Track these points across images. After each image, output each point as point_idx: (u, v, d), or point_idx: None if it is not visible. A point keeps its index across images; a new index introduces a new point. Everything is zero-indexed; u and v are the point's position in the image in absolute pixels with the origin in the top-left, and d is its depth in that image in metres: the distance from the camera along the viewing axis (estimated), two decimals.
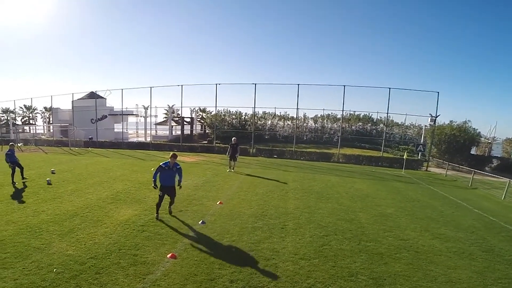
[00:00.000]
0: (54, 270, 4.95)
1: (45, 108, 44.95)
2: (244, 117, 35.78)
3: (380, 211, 9.62)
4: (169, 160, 7.62)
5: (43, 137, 34.73)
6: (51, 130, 35.81)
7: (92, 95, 33.05)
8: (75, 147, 26.45)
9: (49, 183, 11.20)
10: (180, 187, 7.94)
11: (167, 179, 7.63)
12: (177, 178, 7.82)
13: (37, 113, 48.06)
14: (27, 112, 46.18)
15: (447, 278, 5.49)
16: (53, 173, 13.03)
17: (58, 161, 17.53)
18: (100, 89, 36.77)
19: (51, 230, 6.60)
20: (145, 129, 35.84)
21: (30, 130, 41.01)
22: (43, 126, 43.78)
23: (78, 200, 9.00)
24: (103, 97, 33.40)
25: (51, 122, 38.56)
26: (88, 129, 30.29)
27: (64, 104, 35.46)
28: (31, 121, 46.83)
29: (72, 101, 31.51)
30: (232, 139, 15.94)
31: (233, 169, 15.65)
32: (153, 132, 38.42)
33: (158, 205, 7.69)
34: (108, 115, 33.80)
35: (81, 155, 21.50)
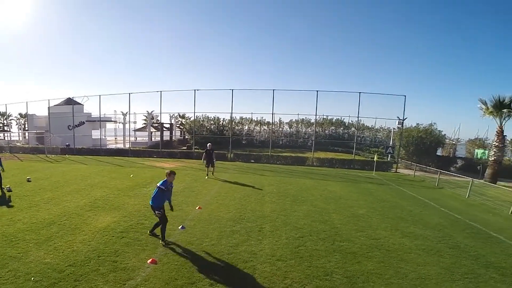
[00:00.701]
0: (32, 278, 4.91)
1: (20, 114, 43.39)
2: (222, 123, 36.04)
3: (352, 212, 9.98)
4: (167, 178, 6.70)
5: (18, 144, 33.57)
6: (27, 137, 34.67)
7: (69, 101, 32.32)
8: (51, 154, 25.79)
9: (29, 181, 12.32)
10: (172, 209, 7.21)
11: (164, 199, 6.81)
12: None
13: (12, 119, 46.25)
14: (2, 119, 44.38)
15: (417, 275, 5.72)
16: (28, 181, 12.77)
17: (34, 168, 17.10)
18: (77, 95, 36.00)
19: (27, 238, 6.52)
20: (124, 135, 35.31)
21: (4, 137, 39.47)
22: (18, 133, 42.25)
23: (55, 208, 8.87)
24: (80, 103, 32.68)
25: (26, 128, 37.35)
26: (65, 135, 29.59)
27: (40, 110, 34.54)
28: (5, 128, 45.04)
29: (49, 107, 30.72)
30: (208, 145, 15.96)
31: (212, 174, 15.70)
32: (132, 139, 37.90)
33: (164, 227, 6.69)
34: (86, 121, 33.13)
35: (58, 162, 21.00)
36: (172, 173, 6.76)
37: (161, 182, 6.65)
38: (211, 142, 16.74)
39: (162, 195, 6.61)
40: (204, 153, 15.74)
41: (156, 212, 6.49)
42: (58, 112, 31.09)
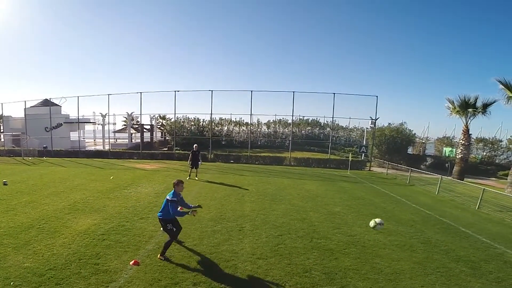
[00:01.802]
0: (11, 283, 4.83)
1: None
2: (202, 124, 36.05)
3: (329, 210, 10.28)
4: (175, 188, 6.15)
5: None
6: (2, 139, 33.44)
7: (46, 103, 31.39)
8: (28, 157, 24.98)
9: (5, 184, 12.11)
10: (200, 206, 6.64)
11: (175, 210, 6.16)
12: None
13: None
14: None
15: (392, 270, 5.93)
16: (5, 184, 12.39)
17: (10, 171, 16.57)
18: (54, 97, 34.86)
19: (5, 243, 6.38)
20: (103, 137, 34.65)
21: None
22: None
23: (34, 212, 8.70)
24: (58, 105, 31.84)
25: (2, 130, 36.01)
26: (42, 137, 28.71)
27: (16, 112, 33.31)
28: None
29: (25, 109, 29.80)
30: (194, 146, 16.05)
31: (196, 176, 15.70)
32: (112, 140, 37.24)
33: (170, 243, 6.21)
34: (64, 123, 32.32)
35: (35, 165, 20.42)
36: (180, 183, 6.20)
37: (170, 194, 6.09)
38: (192, 143, 16.85)
39: (174, 206, 6.01)
40: (190, 154, 15.81)
41: (168, 226, 5.95)
42: (35, 113, 30.25)
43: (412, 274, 5.86)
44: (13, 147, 29.48)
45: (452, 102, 22.31)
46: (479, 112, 21.29)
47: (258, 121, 38.61)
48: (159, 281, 5.13)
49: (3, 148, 28.90)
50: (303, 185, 14.99)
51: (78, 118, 29.17)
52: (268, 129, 39.71)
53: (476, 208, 12.20)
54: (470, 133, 22.27)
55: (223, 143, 36.13)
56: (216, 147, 29.88)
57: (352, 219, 9.38)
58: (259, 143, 36.97)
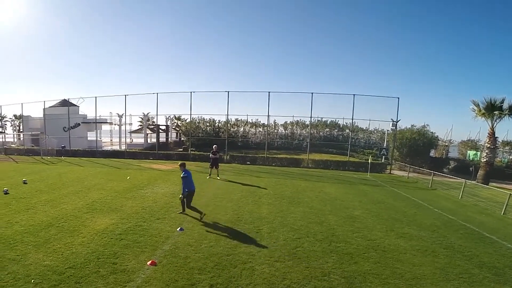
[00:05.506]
0: (32, 281, 4.90)
1: (15, 116, 43.22)
2: (218, 125, 36.22)
3: (348, 213, 10.08)
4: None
5: (13, 146, 33.35)
6: (22, 139, 34.45)
7: (65, 103, 32.20)
8: (47, 156, 25.69)
9: (25, 183, 12.58)
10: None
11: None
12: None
13: (7, 121, 45.95)
14: None
15: (413, 275, 5.81)
16: (25, 183, 12.72)
17: (30, 170, 17.02)
18: (72, 97, 35.70)
19: (26, 241, 6.51)
20: (120, 137, 35.20)
21: None
22: (13, 134, 41.93)
23: (53, 210, 8.87)
24: (76, 105, 32.55)
25: (21, 130, 37.09)
26: (60, 137, 29.46)
27: (35, 112, 34.21)
28: (0, 130, 44.71)
29: (44, 109, 30.64)
30: (213, 146, 16.29)
31: (218, 176, 16.01)
32: (128, 140, 37.79)
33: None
34: (81, 123, 33.01)
35: (53, 164, 20.91)
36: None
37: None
38: (207, 144, 17.06)
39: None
40: (211, 154, 16.16)
41: None
42: (54, 113, 31.04)
43: (433, 279, 5.74)
44: (32, 146, 30.31)
45: (477, 105, 21.55)
46: (505, 115, 20.47)
47: (274, 122, 38.48)
48: (176, 282, 5.13)
49: (23, 147, 29.77)
50: (321, 188, 14.79)
51: (96, 118, 29.70)
52: (285, 131, 39.54)
53: (502, 214, 11.73)
54: (496, 136, 21.49)
55: (239, 144, 36.15)
56: (232, 149, 29.88)
57: (372, 223, 9.18)
58: (276, 144, 36.74)
